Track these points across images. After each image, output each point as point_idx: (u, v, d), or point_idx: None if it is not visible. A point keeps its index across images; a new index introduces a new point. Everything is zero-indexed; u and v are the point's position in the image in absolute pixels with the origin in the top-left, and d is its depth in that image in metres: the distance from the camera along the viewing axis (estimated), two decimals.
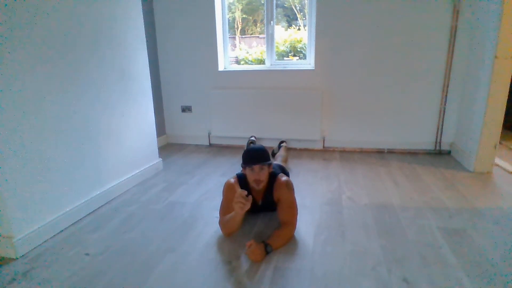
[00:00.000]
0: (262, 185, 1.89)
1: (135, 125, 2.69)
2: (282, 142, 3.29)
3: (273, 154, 3.15)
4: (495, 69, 2.55)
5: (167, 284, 1.53)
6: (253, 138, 3.44)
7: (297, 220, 1.90)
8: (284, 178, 1.96)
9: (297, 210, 1.92)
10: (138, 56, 2.68)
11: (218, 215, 1.96)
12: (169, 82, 3.79)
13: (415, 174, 2.79)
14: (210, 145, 3.84)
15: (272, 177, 1.97)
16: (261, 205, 2.03)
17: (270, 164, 1.92)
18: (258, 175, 1.85)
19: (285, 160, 2.91)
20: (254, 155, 1.87)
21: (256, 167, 1.85)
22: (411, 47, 3.15)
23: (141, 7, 2.68)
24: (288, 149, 3.34)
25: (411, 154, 3.34)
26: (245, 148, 3.22)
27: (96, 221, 2.13)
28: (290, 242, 1.83)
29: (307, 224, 2.02)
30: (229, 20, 3.68)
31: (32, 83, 1.80)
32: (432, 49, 3.12)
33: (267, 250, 1.71)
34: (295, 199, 1.93)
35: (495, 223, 1.99)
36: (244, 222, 2.02)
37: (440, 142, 3.32)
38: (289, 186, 1.93)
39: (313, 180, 2.73)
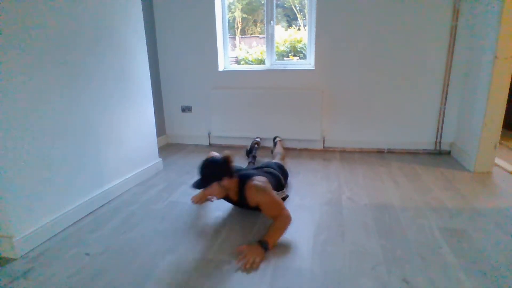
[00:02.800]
0: (220, 197, 1.94)
1: (135, 125, 2.69)
2: (276, 137, 3.26)
3: (271, 152, 3.14)
4: (495, 69, 2.55)
5: (167, 284, 1.53)
6: (258, 139, 3.38)
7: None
8: (253, 182, 1.88)
9: (280, 202, 1.87)
10: (138, 56, 2.68)
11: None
12: (169, 82, 3.79)
13: (415, 174, 2.79)
14: (210, 145, 3.84)
15: (242, 184, 1.91)
16: (239, 204, 2.04)
17: (218, 181, 1.85)
18: (205, 194, 1.87)
19: (283, 157, 2.90)
20: (196, 179, 1.86)
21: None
22: (411, 47, 3.15)
23: (141, 7, 2.68)
24: (283, 145, 3.31)
25: (411, 154, 3.34)
26: (248, 148, 3.22)
27: (96, 221, 2.13)
28: (290, 241, 1.83)
29: (307, 224, 2.02)
30: (229, 20, 3.68)
31: (32, 83, 1.80)
32: (432, 49, 3.12)
33: (263, 247, 1.70)
34: (272, 195, 1.87)
35: (495, 223, 1.99)
36: (244, 222, 2.02)
37: (440, 142, 3.32)
38: (259, 188, 1.86)
39: (313, 180, 2.73)
